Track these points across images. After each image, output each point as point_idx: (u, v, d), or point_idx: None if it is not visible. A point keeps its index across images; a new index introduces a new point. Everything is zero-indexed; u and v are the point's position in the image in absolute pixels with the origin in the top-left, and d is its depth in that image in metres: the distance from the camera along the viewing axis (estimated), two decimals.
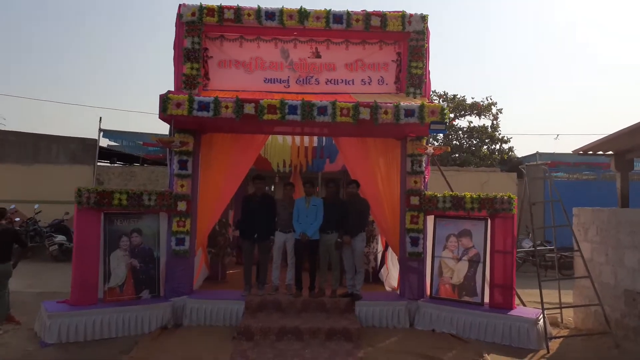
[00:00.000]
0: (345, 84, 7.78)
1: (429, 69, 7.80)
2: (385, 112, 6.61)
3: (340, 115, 6.57)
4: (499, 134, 19.50)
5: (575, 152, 8.05)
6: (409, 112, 6.63)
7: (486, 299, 7.17)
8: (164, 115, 6.57)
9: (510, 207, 7.06)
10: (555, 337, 6.82)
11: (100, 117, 20.03)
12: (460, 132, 20.02)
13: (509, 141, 19.65)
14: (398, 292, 8.03)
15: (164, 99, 6.55)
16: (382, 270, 9.38)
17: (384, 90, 7.76)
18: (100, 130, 15.80)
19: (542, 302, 6.70)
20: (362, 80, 7.82)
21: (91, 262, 6.78)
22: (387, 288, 8.97)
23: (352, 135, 7.77)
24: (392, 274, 9.12)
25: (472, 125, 20.06)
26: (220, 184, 7.64)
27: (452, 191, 7.73)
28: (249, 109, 6.53)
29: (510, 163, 18.75)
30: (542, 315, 6.69)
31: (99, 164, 16.33)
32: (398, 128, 7.05)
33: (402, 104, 6.68)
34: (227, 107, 6.53)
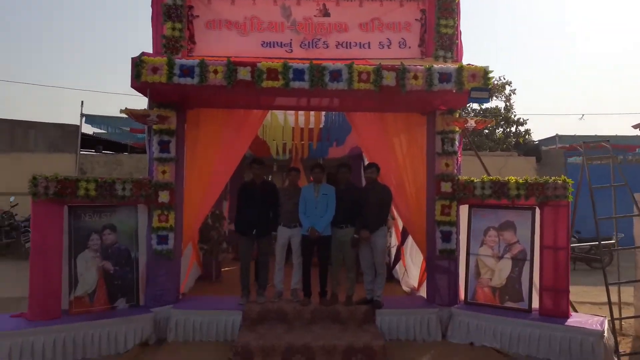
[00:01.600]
0: (360, 47, 6.43)
1: (461, 29, 6.47)
2: (415, 77, 5.31)
3: (359, 81, 5.27)
4: (514, 116, 18.16)
5: (636, 126, 6.76)
6: (445, 77, 5.33)
7: (535, 304, 5.92)
8: (137, 83, 5.26)
9: (564, 194, 5.77)
10: (630, 354, 5.56)
11: (82, 102, 18.64)
12: (472, 113, 18.67)
13: (525, 123, 18.33)
14: (424, 295, 6.80)
15: (137, 63, 5.23)
16: (397, 266, 8.18)
17: (406, 55, 6.42)
18: (82, 115, 14.43)
19: (610, 309, 5.45)
20: (379, 43, 6.47)
21: (52, 266, 5.47)
22: (405, 288, 7.74)
23: (368, 109, 6.46)
24: (411, 272, 7.88)
25: (483, 106, 18.72)
26: (211, 169, 6.34)
27: (489, 175, 6.45)
28: (243, 73, 5.22)
29: (526, 147, 17.49)
30: (607, 325, 5.44)
31: (82, 152, 14.97)
32: (427, 98, 5.76)
33: (435, 66, 5.37)
34: (216, 71, 5.22)
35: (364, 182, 7.65)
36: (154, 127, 5.95)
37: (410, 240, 7.86)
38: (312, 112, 8.00)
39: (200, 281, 8.29)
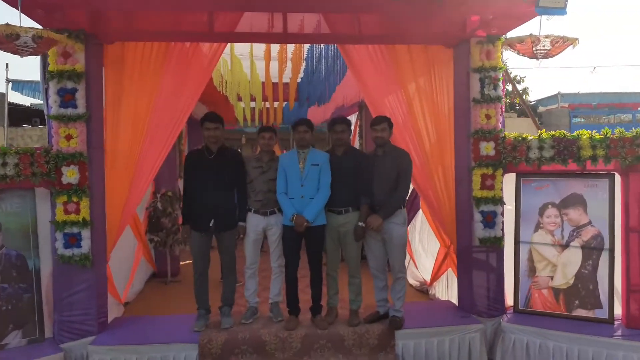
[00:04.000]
0: None
1: None
2: None
3: None
4: (510, 73, 16.38)
5: None
6: None
7: (617, 311, 4.19)
8: None
9: None
10: None
11: (7, 64, 16.02)
12: None
13: (523, 81, 16.56)
14: (445, 297, 5.07)
15: None
16: None
17: None
18: (7, 80, 11.97)
19: None
20: None
21: None
22: (412, 281, 6.10)
23: (372, 38, 4.47)
24: (420, 261, 6.14)
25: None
26: (144, 132, 4.29)
27: (538, 128, 4.60)
28: None
29: (522, 108, 15.82)
30: None
31: (14, 126, 12.60)
32: (462, 14, 3.84)
33: None
34: None
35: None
36: (51, 67, 3.87)
37: (419, 220, 6.07)
38: (289, 58, 5.91)
39: (153, 281, 6.68)
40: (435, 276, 5.62)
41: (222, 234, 4.18)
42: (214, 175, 4.10)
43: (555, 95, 14.40)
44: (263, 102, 8.71)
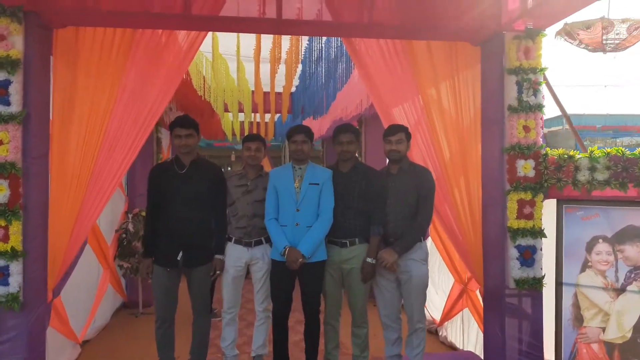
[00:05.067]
0: None
1: None
2: None
3: None
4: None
5: None
6: None
7: None
8: None
9: None
10: None
11: None
12: None
13: None
14: (476, 350, 4.25)
15: None
16: None
17: None
18: None
19: None
20: None
21: None
22: None
23: (384, 30, 3.67)
24: (430, 297, 5.25)
25: None
26: (102, 136, 3.43)
27: (584, 149, 3.84)
28: None
29: None
30: None
31: None
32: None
33: None
34: None
35: None
36: None
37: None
38: (283, 59, 5.09)
39: (123, 312, 5.99)
40: (447, 316, 4.88)
41: (194, 270, 3.29)
42: (184, 195, 3.24)
43: (560, 117, 13.78)
44: (253, 114, 7.92)
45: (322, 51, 4.51)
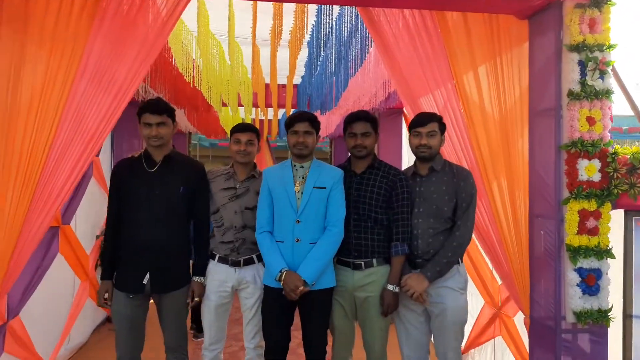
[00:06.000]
0: None
1: None
2: None
3: None
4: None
5: None
6: None
7: None
8: None
9: None
10: None
11: None
12: None
13: None
14: None
15: None
16: None
17: None
18: None
19: None
20: None
21: None
22: None
23: (409, 0, 2.94)
24: None
25: None
26: (58, 123, 2.73)
27: None
28: None
29: None
30: None
31: None
32: None
33: None
34: None
35: None
36: None
37: None
38: (286, 41, 4.37)
39: (104, 329, 5.53)
40: (475, 342, 4.31)
41: (165, 297, 2.57)
42: (154, 200, 2.52)
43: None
44: (254, 109, 7.22)
45: (332, 29, 3.78)
